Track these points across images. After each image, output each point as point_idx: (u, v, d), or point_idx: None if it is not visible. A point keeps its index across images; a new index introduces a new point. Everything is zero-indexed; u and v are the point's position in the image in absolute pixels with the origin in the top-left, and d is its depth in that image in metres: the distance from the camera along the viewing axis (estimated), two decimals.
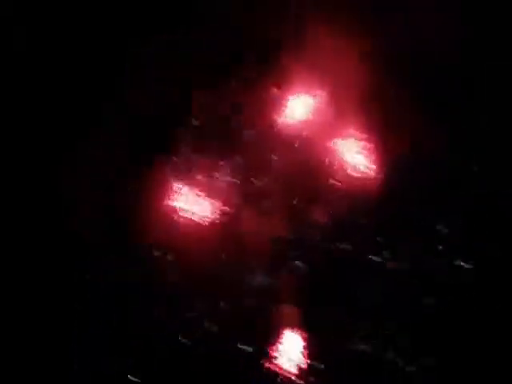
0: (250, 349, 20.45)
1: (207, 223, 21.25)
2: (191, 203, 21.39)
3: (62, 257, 21.01)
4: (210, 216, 21.29)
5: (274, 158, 21.66)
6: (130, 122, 21.80)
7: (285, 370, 20.51)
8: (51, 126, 21.53)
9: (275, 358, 20.49)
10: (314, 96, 21.96)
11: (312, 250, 21.19)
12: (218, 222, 21.24)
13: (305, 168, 21.61)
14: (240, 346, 20.42)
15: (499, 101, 21.80)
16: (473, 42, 21.90)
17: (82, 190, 21.19)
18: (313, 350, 20.55)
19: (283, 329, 20.66)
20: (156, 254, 21.04)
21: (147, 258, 21.04)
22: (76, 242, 21.08)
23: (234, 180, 21.57)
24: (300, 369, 20.49)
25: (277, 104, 21.98)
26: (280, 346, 20.59)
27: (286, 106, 21.97)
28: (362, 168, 21.56)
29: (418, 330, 20.53)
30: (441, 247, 20.98)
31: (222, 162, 21.58)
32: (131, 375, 20.55)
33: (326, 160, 21.55)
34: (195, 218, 21.27)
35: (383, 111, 21.61)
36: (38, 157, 21.38)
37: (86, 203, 21.18)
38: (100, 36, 21.87)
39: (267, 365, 20.46)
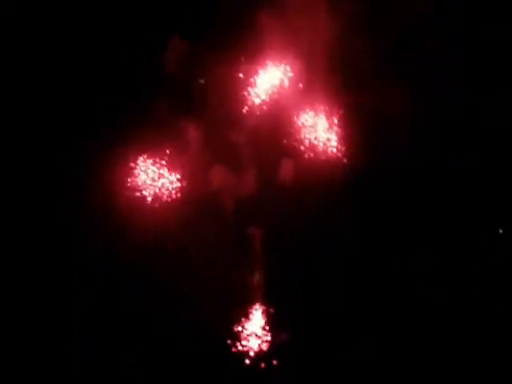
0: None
1: (176, 188, 21.33)
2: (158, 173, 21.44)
3: (62, 256, 21.06)
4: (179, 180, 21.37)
5: (241, 136, 21.64)
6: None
7: (251, 348, 20.74)
8: (51, 125, 21.54)
9: (243, 334, 20.72)
10: (286, 65, 21.71)
11: (277, 214, 21.33)
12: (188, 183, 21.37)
13: (273, 138, 21.58)
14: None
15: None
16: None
17: (82, 191, 21.23)
18: (278, 324, 20.74)
19: (249, 302, 20.88)
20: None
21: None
22: (76, 241, 21.15)
23: (203, 142, 21.46)
24: (265, 346, 20.70)
25: (249, 73, 21.76)
26: (247, 322, 20.80)
27: (257, 76, 21.76)
28: (332, 142, 21.51)
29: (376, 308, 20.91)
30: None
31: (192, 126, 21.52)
32: (131, 374, 20.79)
33: (295, 133, 21.47)
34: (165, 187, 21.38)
35: (356, 81, 21.47)
36: (38, 157, 21.41)
37: (87, 203, 21.25)
38: (100, 36, 21.86)
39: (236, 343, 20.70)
